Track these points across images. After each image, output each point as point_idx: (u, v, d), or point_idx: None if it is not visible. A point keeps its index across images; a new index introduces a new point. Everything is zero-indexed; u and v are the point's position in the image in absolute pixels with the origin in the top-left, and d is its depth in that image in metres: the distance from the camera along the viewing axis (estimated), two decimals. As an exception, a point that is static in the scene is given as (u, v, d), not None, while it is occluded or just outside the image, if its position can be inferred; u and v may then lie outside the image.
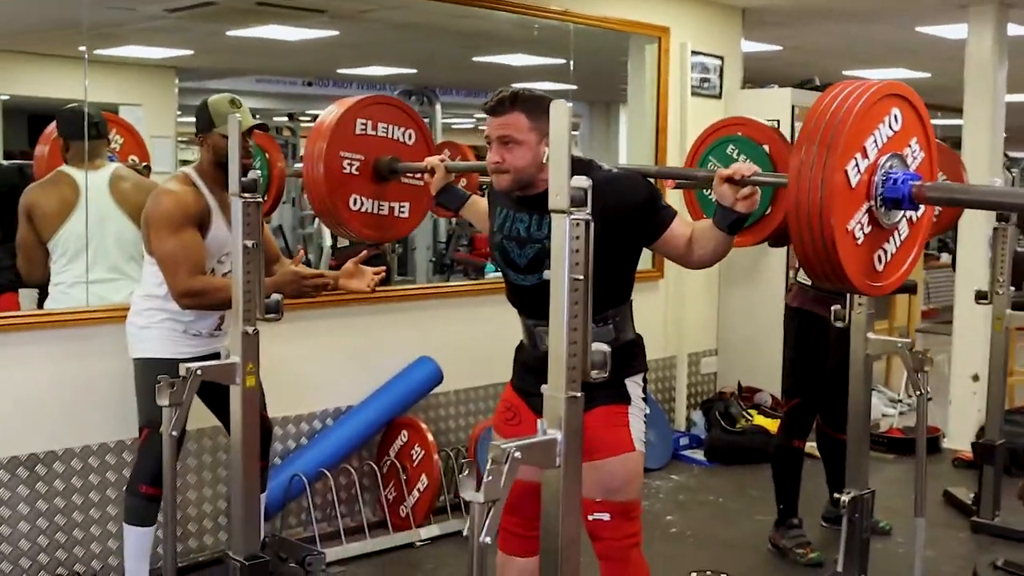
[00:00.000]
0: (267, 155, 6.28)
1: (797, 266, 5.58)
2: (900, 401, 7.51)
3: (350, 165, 3.76)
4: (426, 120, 10.86)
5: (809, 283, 4.67)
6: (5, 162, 5.44)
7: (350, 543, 4.76)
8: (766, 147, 4.42)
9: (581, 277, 2.40)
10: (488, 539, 2.28)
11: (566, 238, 2.38)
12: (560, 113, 2.37)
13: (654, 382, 6.54)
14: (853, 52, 9.02)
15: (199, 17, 7.10)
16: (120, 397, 4.19)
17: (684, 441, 6.52)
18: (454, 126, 15.17)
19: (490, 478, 2.27)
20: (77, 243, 4.43)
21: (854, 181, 2.51)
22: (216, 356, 3.55)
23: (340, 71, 11.13)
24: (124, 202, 4.51)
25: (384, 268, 4.16)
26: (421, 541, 4.89)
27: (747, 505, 5.58)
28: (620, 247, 3.05)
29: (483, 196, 3.57)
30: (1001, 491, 5.26)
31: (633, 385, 3.19)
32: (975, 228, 6.37)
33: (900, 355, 4.10)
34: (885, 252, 2.66)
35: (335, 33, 8.19)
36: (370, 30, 7.97)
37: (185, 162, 9.48)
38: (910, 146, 2.66)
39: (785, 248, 6.81)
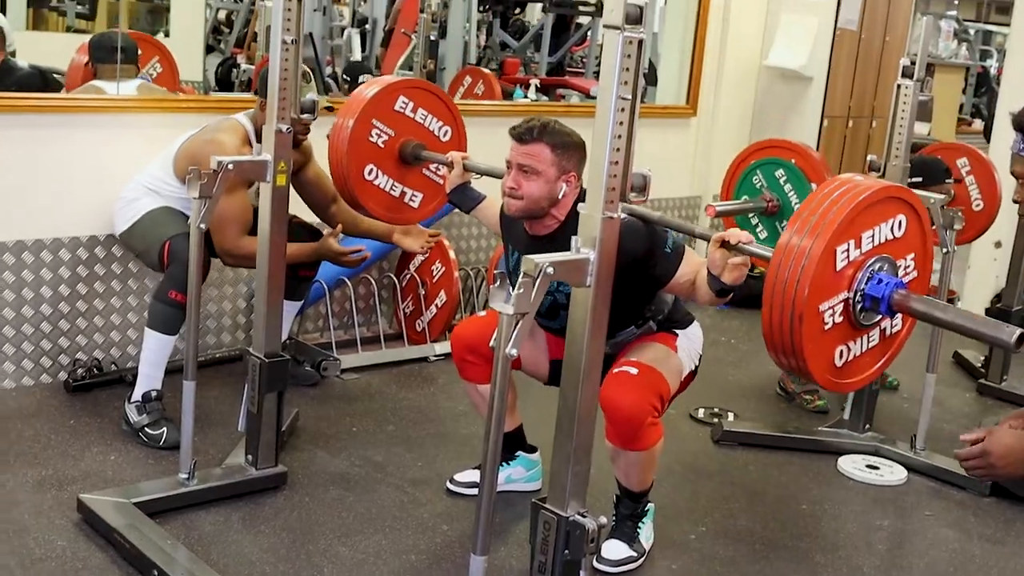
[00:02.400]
0: None
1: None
2: (919, 261, 7.49)
3: (378, 136, 3.74)
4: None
5: None
6: (22, 63, 5.36)
7: (365, 351, 4.82)
8: (814, 186, 4.32)
9: (629, 97, 2.37)
10: (514, 351, 2.31)
11: (617, 56, 2.34)
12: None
13: (679, 216, 6.52)
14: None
15: None
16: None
17: (701, 282, 6.52)
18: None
19: (521, 291, 2.28)
20: None
21: (840, 265, 2.44)
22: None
23: None
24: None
25: (440, 233, 4.20)
26: (435, 356, 4.95)
27: (758, 348, 5.60)
28: (633, 287, 3.01)
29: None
30: (1011, 357, 5.29)
31: (683, 333, 3.33)
32: (1017, 92, 6.23)
33: (931, 211, 4.07)
34: (848, 351, 2.56)
35: None
36: None
37: (216, 31, 9.27)
38: (905, 259, 2.58)
39: (823, 94, 6.73)
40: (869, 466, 4.18)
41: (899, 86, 4.07)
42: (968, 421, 4.75)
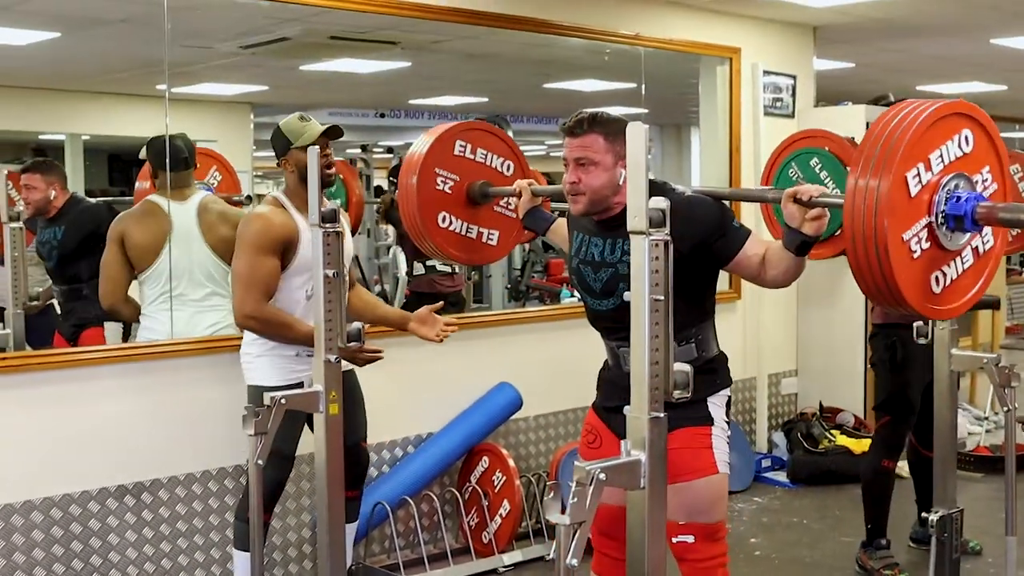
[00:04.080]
0: (345, 184, 6.39)
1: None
2: (986, 419, 7.38)
3: (444, 183, 3.79)
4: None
5: None
6: (91, 199, 5.60)
7: (433, 570, 4.77)
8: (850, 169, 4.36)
9: (661, 297, 2.40)
10: (575, 561, 2.29)
11: (645, 259, 2.39)
12: (637, 135, 2.39)
13: (734, 404, 6.50)
14: (927, 67, 8.93)
15: (273, 53, 7.21)
16: (212, 426, 4.34)
17: (766, 463, 6.46)
18: (527, 153, 15.23)
19: (575, 500, 2.28)
20: (171, 276, 4.55)
21: (914, 191, 2.43)
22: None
23: (412, 102, 11.25)
24: (208, 232, 4.60)
25: (455, 325, 4.21)
26: (504, 567, 4.89)
27: (832, 526, 5.52)
28: (696, 269, 3.06)
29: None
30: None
31: (715, 407, 3.19)
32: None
33: (986, 370, 4.03)
34: (944, 275, 2.54)
35: (407, 64, 8.28)
36: (442, 60, 8.05)
37: (261, 196, 9.67)
38: (981, 173, 2.56)
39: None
40: (960, 640, 4.04)
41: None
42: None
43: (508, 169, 3.95)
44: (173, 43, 4.75)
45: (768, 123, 6.60)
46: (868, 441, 6.29)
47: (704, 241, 3.04)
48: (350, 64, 8.09)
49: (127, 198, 5.62)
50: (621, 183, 3.09)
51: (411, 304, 5.20)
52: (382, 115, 11.76)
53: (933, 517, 4.19)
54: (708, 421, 3.16)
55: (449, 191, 3.79)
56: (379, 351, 3.97)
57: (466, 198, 3.84)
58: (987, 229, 2.60)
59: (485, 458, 5.06)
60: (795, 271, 3.01)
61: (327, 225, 3.34)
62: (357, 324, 3.44)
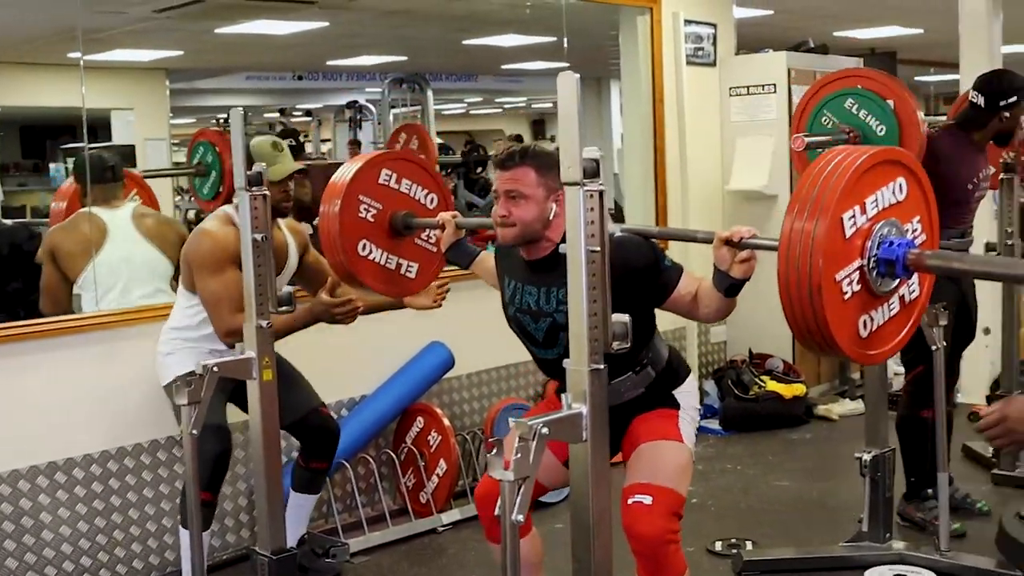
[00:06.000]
0: (219, 154, 6.25)
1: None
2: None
3: (367, 210, 3.70)
4: (417, 107, 10.91)
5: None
6: (8, 221, 5.53)
7: (372, 532, 4.75)
8: (891, 103, 4.09)
9: (597, 249, 2.39)
10: (520, 517, 2.28)
11: (580, 210, 2.38)
12: (568, 85, 2.37)
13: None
14: (845, 12, 8.98)
15: (188, 16, 7.08)
16: (148, 397, 4.26)
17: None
18: (445, 112, 15.17)
19: (519, 455, 2.27)
20: (109, 276, 4.50)
21: (848, 232, 2.45)
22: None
23: (330, 63, 11.13)
24: (149, 233, 4.60)
25: (447, 286, 4.21)
26: (443, 526, 4.88)
27: (766, 471, 5.58)
28: (631, 306, 3.01)
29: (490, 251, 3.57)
30: (1020, 442, 5.25)
31: (683, 394, 3.25)
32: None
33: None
34: (871, 320, 2.56)
35: (324, 24, 8.18)
36: (359, 19, 7.96)
37: (177, 164, 9.51)
38: (912, 223, 2.59)
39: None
40: (897, 576, 4.12)
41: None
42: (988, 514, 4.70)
43: (432, 202, 3.87)
44: (87, 9, 4.64)
45: (690, 72, 6.60)
46: (798, 385, 6.41)
47: (635, 282, 3.01)
48: (267, 26, 7.98)
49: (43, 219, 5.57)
50: (551, 217, 3.07)
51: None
52: (299, 77, 11.64)
53: (866, 457, 4.27)
54: (675, 406, 3.22)
55: (371, 219, 3.71)
56: (356, 303, 3.94)
57: (388, 228, 3.77)
58: (914, 279, 2.62)
59: (420, 418, 5.04)
60: (726, 310, 3.01)
61: (253, 189, 3.30)
62: (288, 288, 3.41)
